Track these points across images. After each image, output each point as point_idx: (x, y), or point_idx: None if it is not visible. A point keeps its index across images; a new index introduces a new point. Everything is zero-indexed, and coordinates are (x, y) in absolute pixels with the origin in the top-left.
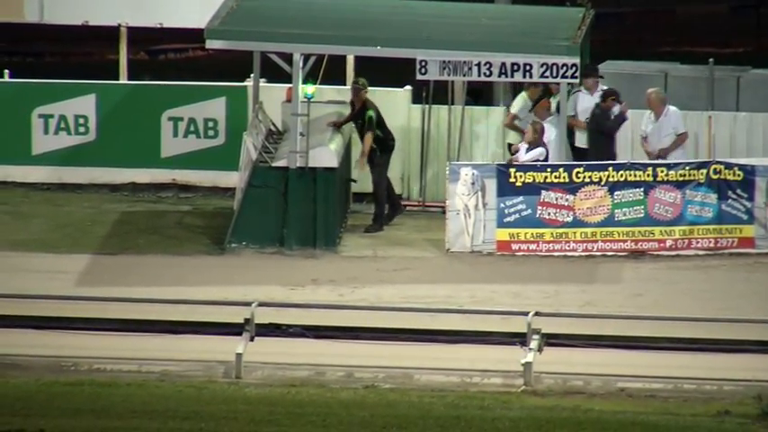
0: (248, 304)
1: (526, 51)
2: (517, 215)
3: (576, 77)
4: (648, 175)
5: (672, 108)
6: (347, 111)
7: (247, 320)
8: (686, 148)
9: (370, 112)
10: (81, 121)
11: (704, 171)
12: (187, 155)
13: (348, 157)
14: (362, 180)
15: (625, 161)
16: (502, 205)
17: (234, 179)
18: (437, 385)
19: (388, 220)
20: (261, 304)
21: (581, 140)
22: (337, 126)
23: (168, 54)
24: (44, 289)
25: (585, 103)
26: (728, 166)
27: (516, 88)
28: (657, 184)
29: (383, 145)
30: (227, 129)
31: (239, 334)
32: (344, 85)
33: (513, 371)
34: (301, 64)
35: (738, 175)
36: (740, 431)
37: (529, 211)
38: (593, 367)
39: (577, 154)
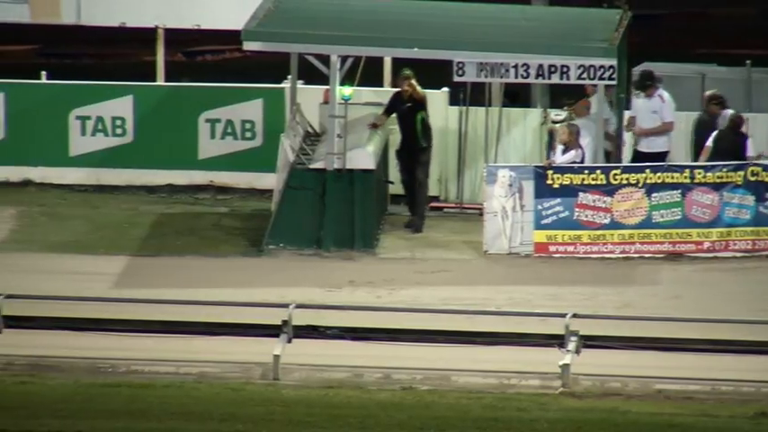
0: (286, 306)
1: (563, 53)
2: (554, 217)
3: (613, 79)
4: (686, 177)
5: (666, 94)
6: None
7: (285, 322)
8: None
9: (422, 114)
10: (118, 122)
11: (742, 173)
12: (224, 156)
13: (386, 159)
14: (399, 182)
15: (663, 163)
16: (539, 207)
17: (271, 181)
18: (475, 387)
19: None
20: (298, 306)
21: (643, 145)
22: (376, 127)
23: (205, 56)
24: (81, 291)
25: (638, 105)
26: (766, 168)
27: (553, 90)
28: (695, 185)
29: (429, 142)
30: (265, 130)
31: (277, 335)
32: (381, 86)
33: (550, 372)
34: (338, 65)
35: None
36: None
37: (566, 212)
38: (631, 369)
39: (641, 158)
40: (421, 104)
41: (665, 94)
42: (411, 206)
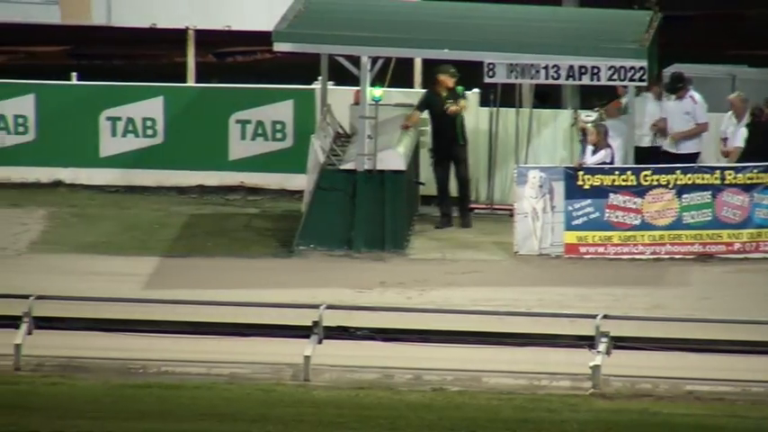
0: (316, 307)
1: (594, 54)
2: (585, 218)
3: (643, 80)
4: (716, 178)
5: (698, 96)
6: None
7: (315, 323)
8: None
9: (461, 87)
10: (149, 123)
11: None
12: (255, 157)
13: (416, 160)
14: (430, 182)
15: (693, 164)
16: (570, 208)
17: (302, 182)
18: (505, 388)
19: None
20: (329, 307)
21: (673, 146)
22: (408, 127)
23: (236, 57)
24: (112, 292)
25: (669, 108)
26: None
27: (583, 91)
28: (725, 187)
29: (466, 139)
30: (295, 131)
31: (307, 336)
32: (412, 87)
33: (581, 374)
34: (369, 66)
35: None
36: None
37: (597, 213)
38: (661, 370)
39: (671, 159)
40: (457, 98)
41: (697, 96)
42: (440, 203)
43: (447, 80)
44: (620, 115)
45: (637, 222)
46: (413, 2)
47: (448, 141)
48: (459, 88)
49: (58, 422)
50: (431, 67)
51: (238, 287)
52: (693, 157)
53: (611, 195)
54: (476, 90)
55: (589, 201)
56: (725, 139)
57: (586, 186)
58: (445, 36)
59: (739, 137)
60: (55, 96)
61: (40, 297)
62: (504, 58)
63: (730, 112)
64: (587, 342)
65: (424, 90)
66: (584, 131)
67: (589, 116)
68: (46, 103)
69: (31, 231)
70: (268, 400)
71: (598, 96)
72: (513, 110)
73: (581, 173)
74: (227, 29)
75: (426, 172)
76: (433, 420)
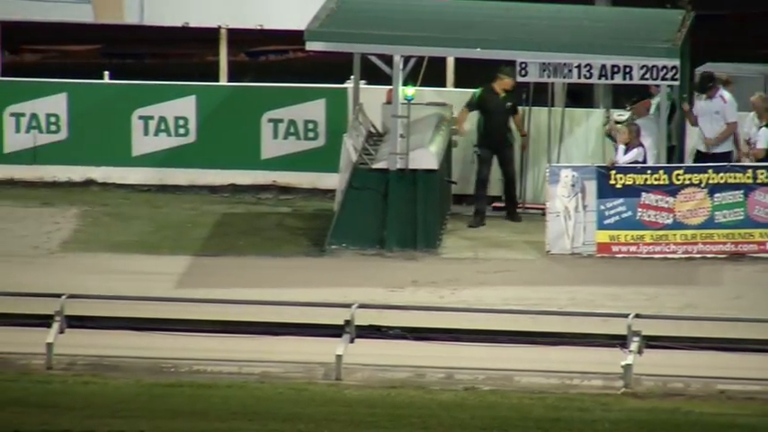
0: (348, 306)
1: (626, 53)
2: (617, 217)
3: (676, 79)
4: (748, 177)
5: (728, 95)
6: (447, 113)
7: (347, 322)
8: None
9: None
10: (181, 122)
11: None
12: (287, 156)
13: (448, 159)
14: (462, 181)
15: (725, 163)
16: (602, 207)
17: (334, 181)
18: (537, 387)
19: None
20: (361, 306)
21: (701, 145)
22: (459, 131)
23: (268, 56)
24: (144, 291)
25: (700, 107)
26: None
27: (615, 90)
28: (757, 186)
29: (513, 138)
30: (327, 130)
31: (339, 336)
32: (444, 86)
33: (612, 373)
34: (401, 65)
35: None
36: None
37: (629, 212)
38: (693, 369)
39: (703, 158)
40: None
41: (727, 95)
42: (476, 201)
43: (508, 82)
44: (650, 116)
45: (669, 221)
46: (445, 1)
47: (498, 141)
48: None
49: (89, 421)
50: (463, 66)
51: (270, 286)
52: (727, 156)
53: (644, 194)
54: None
55: (621, 200)
56: (748, 141)
57: (618, 185)
58: (478, 35)
59: (763, 139)
60: (87, 95)
61: (71, 296)
62: (537, 57)
63: (753, 113)
64: (619, 341)
65: (455, 89)
66: (609, 135)
67: (621, 115)
68: (78, 102)
69: (63, 230)
70: (300, 400)
71: (627, 96)
72: (546, 109)
73: (613, 172)
74: (259, 28)
75: (458, 171)
76: (465, 419)
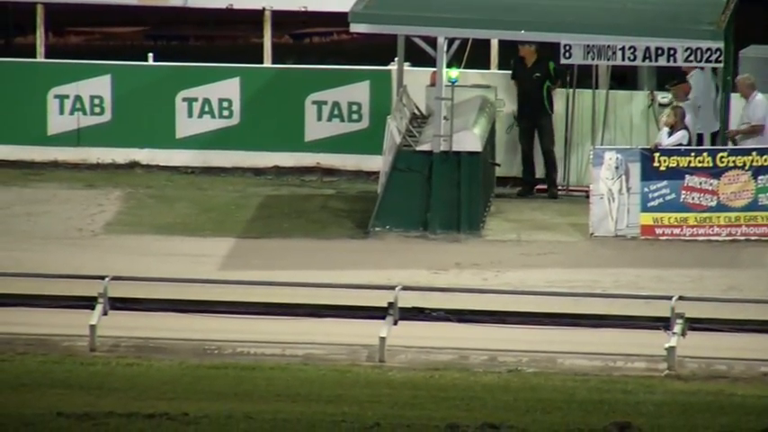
0: (392, 288)
1: (671, 36)
2: (661, 199)
3: (720, 62)
4: None
5: (758, 97)
6: (492, 95)
7: (391, 304)
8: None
9: (552, 63)
10: (225, 104)
11: None
12: (331, 138)
13: (492, 141)
14: (506, 164)
15: None
16: (646, 189)
17: (377, 163)
18: (580, 369)
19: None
20: (404, 288)
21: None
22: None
23: (312, 38)
24: (188, 273)
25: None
26: None
27: (660, 72)
28: None
29: (552, 109)
30: (371, 112)
31: (383, 318)
32: (488, 68)
33: (656, 355)
34: (445, 48)
35: None
36: None
37: (673, 195)
38: (737, 352)
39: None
40: (548, 74)
41: (758, 97)
42: (523, 172)
43: (527, 50)
44: (687, 100)
45: (713, 204)
46: None
47: (533, 109)
48: (552, 64)
49: (133, 403)
50: (508, 47)
51: (314, 268)
52: None
53: (687, 177)
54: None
55: (665, 182)
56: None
57: (662, 168)
58: (522, 17)
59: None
60: (131, 77)
61: (115, 278)
62: (581, 40)
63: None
64: (663, 323)
65: (499, 71)
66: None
67: (665, 98)
68: (122, 84)
69: (107, 212)
70: (343, 381)
71: (667, 78)
72: (590, 91)
73: (657, 154)
74: (303, 9)
75: (502, 153)
76: (509, 402)
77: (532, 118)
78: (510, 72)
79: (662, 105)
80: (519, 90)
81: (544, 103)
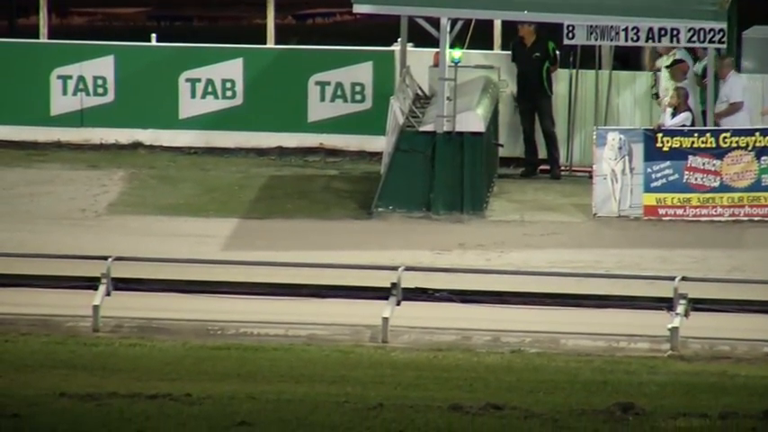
0: (395, 268)
1: (674, 16)
2: (664, 180)
3: (723, 43)
4: None
5: (734, 75)
6: (495, 75)
7: (394, 285)
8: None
9: (552, 43)
10: (228, 85)
11: None
12: (334, 119)
13: (495, 121)
14: (509, 144)
15: None
16: (649, 170)
17: (381, 144)
18: (584, 350)
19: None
20: (407, 268)
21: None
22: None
23: (315, 18)
24: (191, 253)
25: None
26: None
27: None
28: None
29: (552, 90)
30: (374, 93)
31: (386, 298)
32: (491, 49)
33: (659, 336)
34: (448, 28)
35: None
36: None
37: (676, 175)
38: (740, 332)
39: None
40: (547, 54)
41: (732, 75)
42: (525, 152)
43: (525, 29)
44: (686, 80)
45: (716, 184)
46: None
47: (532, 90)
48: (551, 45)
49: (136, 384)
50: (511, 28)
51: (317, 249)
52: None
53: (691, 157)
54: None
55: (668, 163)
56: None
57: (665, 148)
58: None
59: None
60: (134, 58)
61: (118, 258)
62: (584, 20)
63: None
64: (666, 304)
65: (502, 52)
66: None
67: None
68: (125, 65)
69: (110, 193)
70: (347, 362)
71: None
72: (593, 72)
73: (660, 135)
74: None
75: (505, 133)
76: (512, 382)
77: (532, 99)
78: (510, 53)
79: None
80: (518, 71)
81: (543, 84)
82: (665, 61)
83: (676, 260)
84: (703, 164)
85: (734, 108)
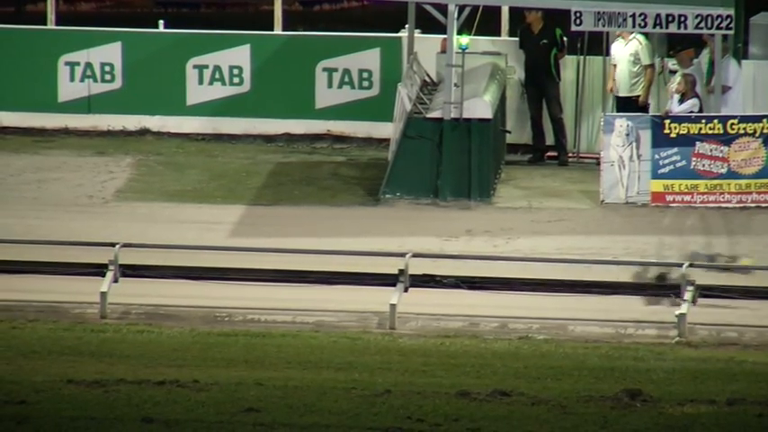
0: (402, 255)
1: (681, 2)
2: (672, 166)
3: (730, 29)
4: None
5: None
6: (502, 62)
7: (402, 271)
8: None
9: (559, 30)
10: (235, 71)
11: None
12: (341, 106)
13: (503, 108)
14: (516, 131)
15: None
16: (656, 156)
17: (388, 130)
18: (591, 336)
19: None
20: (415, 255)
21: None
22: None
23: (323, 5)
24: (199, 240)
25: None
26: None
27: (670, 40)
28: None
29: (559, 77)
30: (382, 80)
31: (394, 285)
32: (499, 35)
33: (667, 322)
34: (456, 15)
35: None
36: None
37: (683, 162)
38: (748, 319)
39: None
40: (555, 41)
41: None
42: (533, 138)
43: (533, 16)
44: (692, 66)
45: (723, 171)
46: None
47: (539, 76)
48: (559, 31)
49: (144, 370)
50: (518, 14)
51: (325, 235)
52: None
53: (698, 144)
54: None
55: (675, 149)
56: None
57: (673, 135)
58: None
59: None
60: (142, 44)
61: (126, 245)
62: (592, 6)
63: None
64: (673, 290)
65: (510, 38)
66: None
67: (675, 65)
68: (133, 52)
69: (117, 179)
70: (354, 349)
71: (671, 45)
72: (600, 58)
73: (667, 121)
74: None
75: (512, 120)
76: (519, 369)
77: (539, 85)
78: (518, 40)
79: (672, 72)
80: (526, 57)
81: (551, 71)
82: (622, 45)
83: (684, 246)
84: (711, 150)
85: (724, 90)
